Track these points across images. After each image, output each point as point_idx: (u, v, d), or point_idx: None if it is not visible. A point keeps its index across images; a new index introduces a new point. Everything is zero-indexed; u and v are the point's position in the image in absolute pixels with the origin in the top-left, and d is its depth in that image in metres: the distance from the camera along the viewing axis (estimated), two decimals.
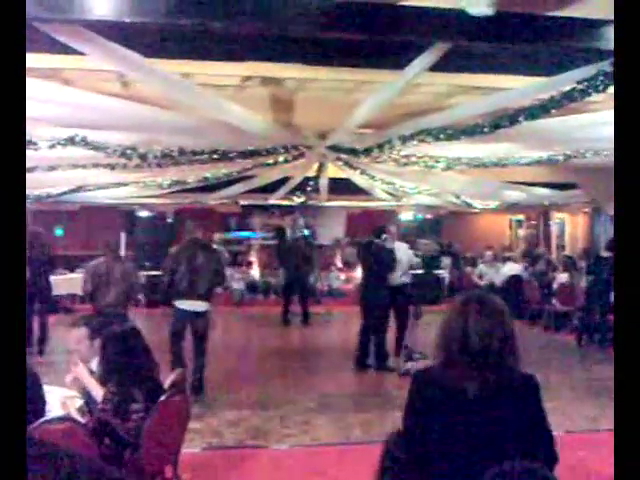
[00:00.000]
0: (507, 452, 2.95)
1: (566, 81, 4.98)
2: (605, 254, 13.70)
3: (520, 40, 4.06)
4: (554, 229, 22.13)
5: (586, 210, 19.23)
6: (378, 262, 11.26)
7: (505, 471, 2.34)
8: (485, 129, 6.21)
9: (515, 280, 17.42)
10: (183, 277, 9.31)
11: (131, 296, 10.26)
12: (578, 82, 4.82)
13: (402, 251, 11.63)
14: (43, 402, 4.75)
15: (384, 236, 11.28)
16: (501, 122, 6.02)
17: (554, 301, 15.56)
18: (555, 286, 15.73)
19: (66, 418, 4.51)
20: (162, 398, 4.75)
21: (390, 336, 11.36)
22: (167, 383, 5.25)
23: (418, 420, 3.30)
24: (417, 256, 13.82)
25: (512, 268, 18.03)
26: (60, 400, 5.05)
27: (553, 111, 5.44)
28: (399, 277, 11.52)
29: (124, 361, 4.76)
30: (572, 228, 21.14)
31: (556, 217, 21.84)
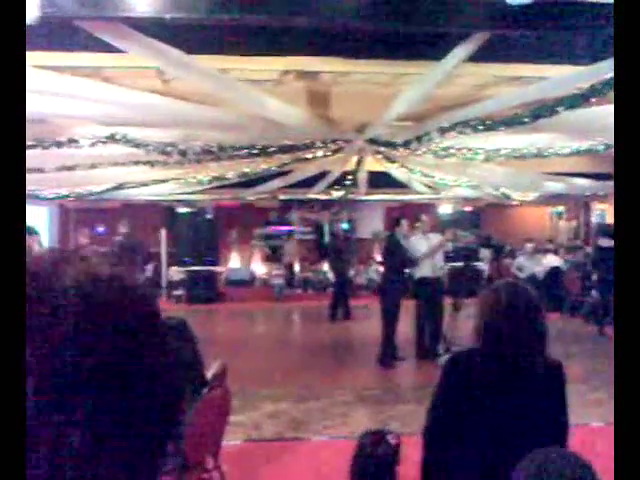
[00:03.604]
0: (532, 438, 3.06)
1: (607, 69, 4.91)
2: (604, 243, 13.58)
3: (559, 28, 4.03)
4: (595, 220, 21.89)
5: None
6: (393, 255, 11.36)
7: (541, 458, 2.36)
8: (525, 120, 6.16)
9: (555, 272, 17.32)
10: None
11: None
12: None
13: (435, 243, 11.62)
14: None
15: (399, 229, 11.38)
16: (541, 112, 5.96)
17: (594, 292, 15.40)
18: (595, 277, 15.56)
19: None
20: (204, 391, 4.80)
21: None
22: (209, 375, 5.30)
23: (450, 404, 3.37)
24: (456, 249, 13.80)
25: (552, 260, 17.91)
26: None
27: (593, 100, 5.38)
28: (437, 269, 11.54)
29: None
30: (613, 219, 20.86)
31: (597, 208, 21.60)
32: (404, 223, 11.53)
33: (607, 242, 13.60)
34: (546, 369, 3.33)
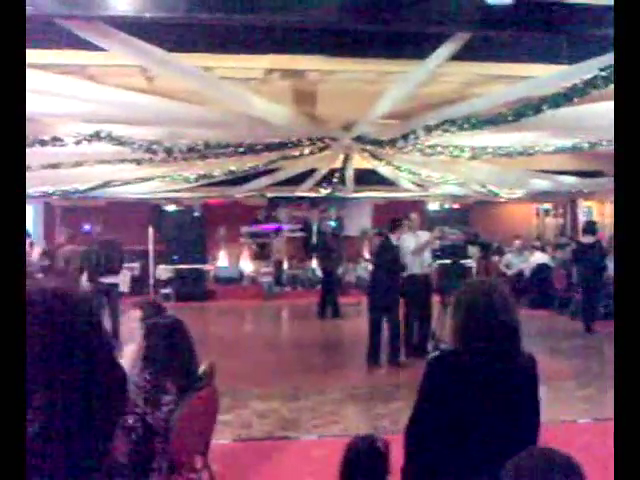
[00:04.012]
0: (512, 433, 3.22)
1: (589, 69, 4.93)
2: (585, 239, 13.64)
3: (540, 28, 4.04)
4: (581, 218, 21.95)
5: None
6: (386, 254, 11.25)
7: (527, 458, 2.37)
8: (509, 118, 6.19)
9: (543, 269, 17.37)
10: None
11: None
12: (601, 69, 4.78)
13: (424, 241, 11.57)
14: None
15: (398, 231, 11.24)
16: (525, 111, 5.99)
17: (580, 289, 15.43)
18: (576, 273, 15.56)
19: None
20: (191, 390, 4.78)
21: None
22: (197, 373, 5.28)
23: (434, 407, 3.39)
24: (443, 246, 13.79)
25: (540, 257, 17.96)
26: None
27: (576, 99, 5.41)
28: (425, 267, 11.52)
29: (164, 352, 4.75)
30: (600, 216, 20.93)
31: (583, 205, 21.66)
32: (405, 224, 11.42)
33: (588, 238, 13.66)
34: (522, 363, 3.40)
